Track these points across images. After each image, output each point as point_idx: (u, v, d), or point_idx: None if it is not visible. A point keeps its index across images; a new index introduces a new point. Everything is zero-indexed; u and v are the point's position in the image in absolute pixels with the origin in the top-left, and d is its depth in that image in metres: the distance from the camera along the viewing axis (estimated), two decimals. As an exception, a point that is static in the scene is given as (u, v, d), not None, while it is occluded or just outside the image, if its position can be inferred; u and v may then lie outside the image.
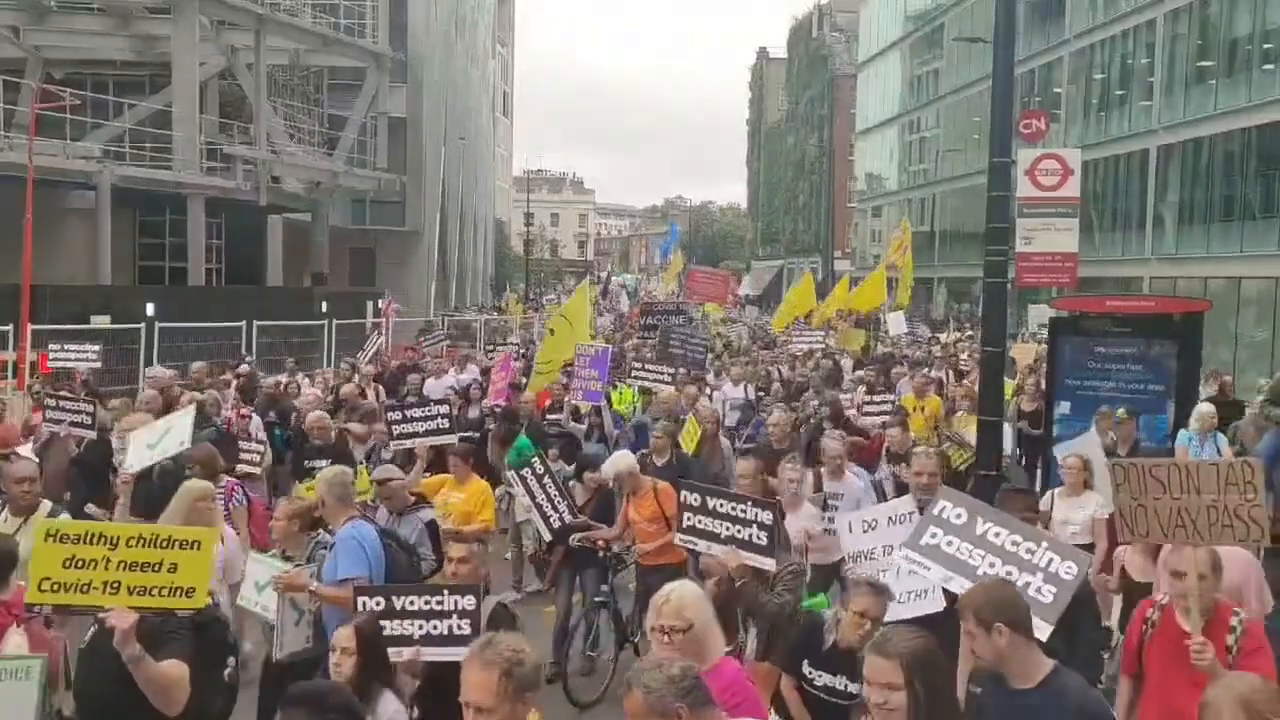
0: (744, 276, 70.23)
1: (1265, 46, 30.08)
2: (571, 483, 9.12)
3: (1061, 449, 9.39)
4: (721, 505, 5.98)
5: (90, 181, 27.52)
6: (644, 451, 10.15)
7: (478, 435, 12.62)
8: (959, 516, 4.77)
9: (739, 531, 5.90)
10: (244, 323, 22.05)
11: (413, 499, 7.53)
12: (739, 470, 7.61)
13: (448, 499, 8.52)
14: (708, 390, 15.04)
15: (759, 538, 5.85)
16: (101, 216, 27.66)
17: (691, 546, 6.27)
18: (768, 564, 5.78)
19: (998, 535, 4.64)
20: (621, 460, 8.43)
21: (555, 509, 8.50)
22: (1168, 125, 34.36)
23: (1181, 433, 10.81)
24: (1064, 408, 11.79)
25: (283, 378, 15.66)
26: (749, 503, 5.97)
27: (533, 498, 8.48)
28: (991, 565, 4.57)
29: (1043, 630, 4.22)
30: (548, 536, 8.60)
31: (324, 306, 27.47)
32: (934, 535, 4.77)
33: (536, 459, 8.67)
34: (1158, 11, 34.93)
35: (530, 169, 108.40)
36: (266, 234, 34.41)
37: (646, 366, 14.68)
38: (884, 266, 27.74)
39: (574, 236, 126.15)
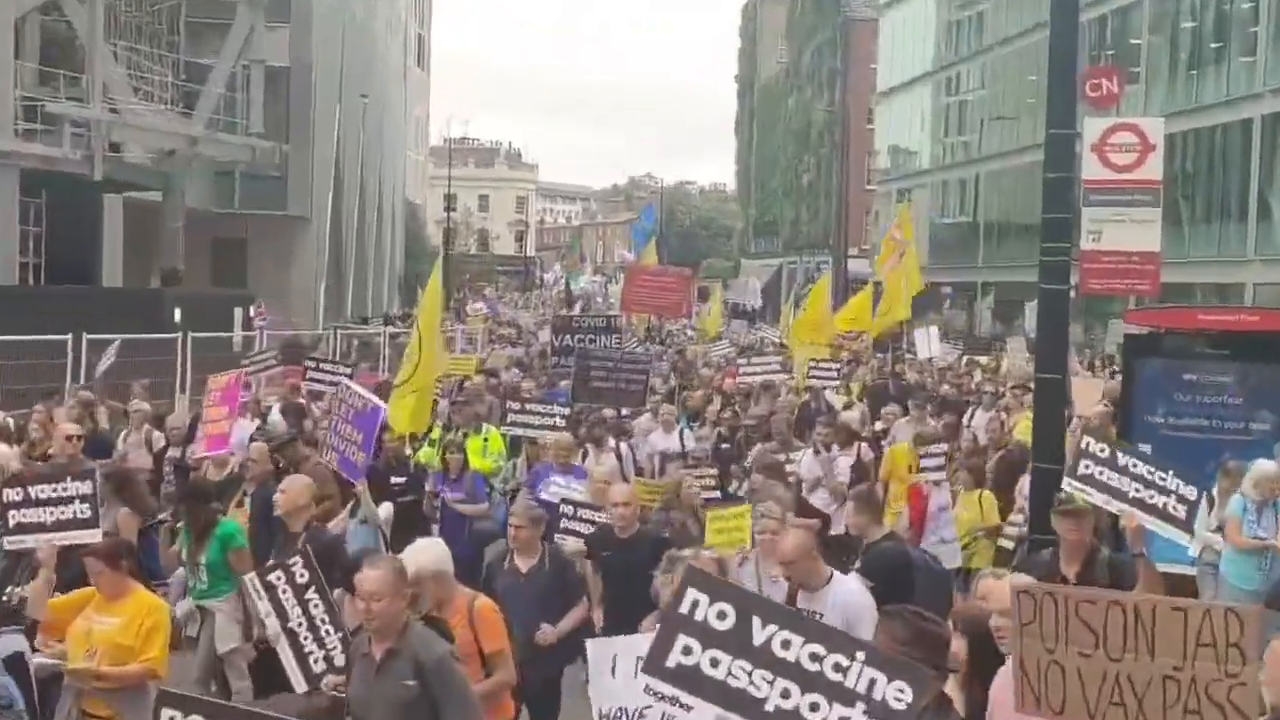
0: (746, 280, 70.21)
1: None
2: (338, 591, 7.80)
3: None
4: None
5: None
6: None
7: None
8: (722, 617, 3.99)
9: None
10: (70, 335, 21.75)
11: None
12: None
13: (91, 626, 7.17)
14: (616, 444, 13.95)
15: None
16: (-119, 193, 27.30)
17: None
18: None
19: (787, 646, 3.91)
20: (428, 552, 7.19)
21: (320, 642, 7.15)
22: (1276, 88, 34.89)
23: (1235, 499, 10.72)
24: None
25: (40, 408, 14.52)
26: None
27: (283, 622, 7.17)
28: (786, 694, 3.88)
29: None
30: (302, 687, 7.18)
31: (178, 315, 27.21)
32: (687, 651, 4.00)
33: (300, 560, 7.32)
34: (1264, -58, 35.57)
35: (454, 136, 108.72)
36: (102, 218, 34.04)
37: (527, 406, 13.90)
38: (886, 266, 27.67)
39: (510, 225, 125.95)
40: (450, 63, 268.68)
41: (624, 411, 16.32)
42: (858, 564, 8.32)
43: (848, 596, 7.19)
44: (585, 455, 13.56)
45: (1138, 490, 7.89)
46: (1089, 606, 4.02)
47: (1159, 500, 7.83)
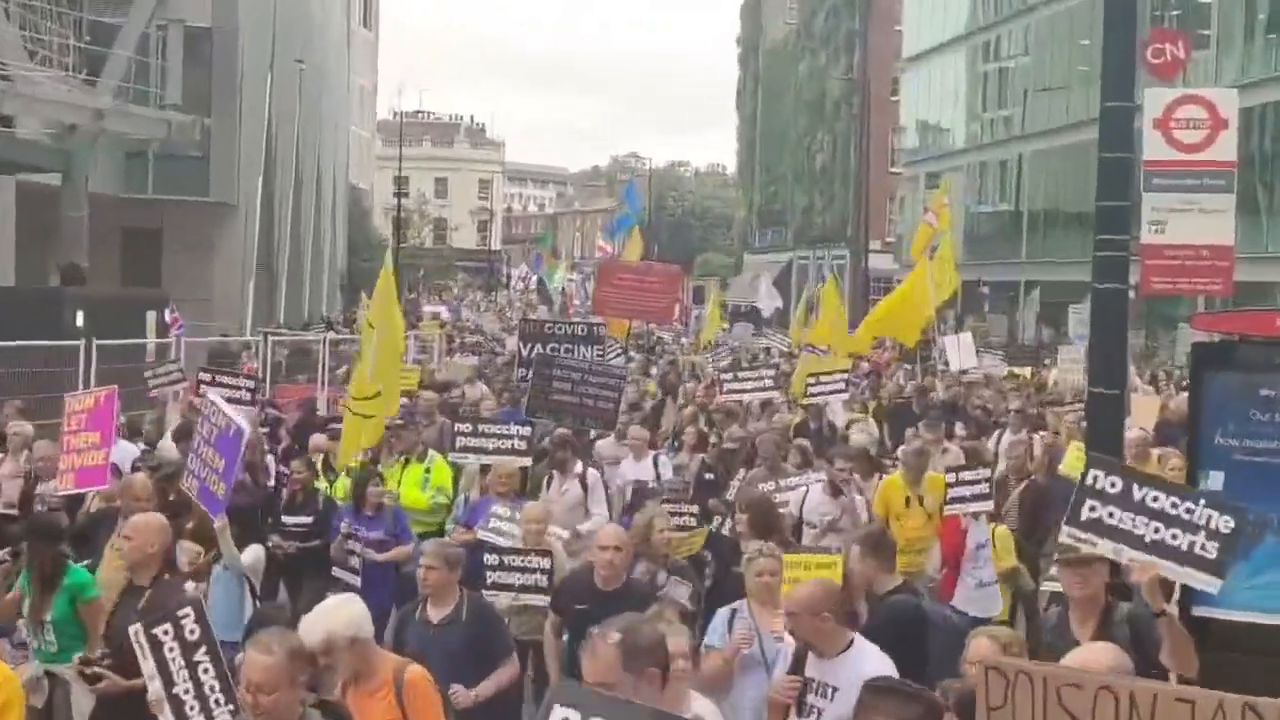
0: (757, 278, 70.01)
1: None
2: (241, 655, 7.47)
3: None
4: None
5: None
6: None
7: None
8: None
9: None
10: (-48, 343, 21.70)
11: None
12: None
13: None
14: (583, 470, 13.77)
15: None
16: None
17: None
18: None
19: None
20: (339, 613, 7.06)
21: (208, 713, 6.96)
22: (1369, 55, 35.04)
23: None
24: (1214, 480, 11.83)
25: None
26: None
27: (167, 687, 6.98)
28: None
29: None
30: None
31: (80, 319, 27.12)
32: None
33: (191, 613, 7.07)
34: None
35: (406, 109, 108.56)
36: (-9, 205, 33.95)
37: (481, 428, 13.39)
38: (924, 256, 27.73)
39: (472, 214, 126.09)
40: (405, 33, 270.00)
41: (593, 431, 16.10)
42: (864, 621, 8.17)
43: (871, 668, 6.82)
44: (549, 482, 13.37)
45: (1157, 531, 7.39)
46: (1074, 692, 3.85)
47: (1184, 540, 7.33)
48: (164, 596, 8.12)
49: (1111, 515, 7.41)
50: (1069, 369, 29.17)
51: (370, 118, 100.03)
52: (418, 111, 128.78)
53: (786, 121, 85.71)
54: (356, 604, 7.22)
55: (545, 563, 9.96)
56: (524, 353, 19.79)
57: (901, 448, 14.70)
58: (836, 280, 32.99)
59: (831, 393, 19.25)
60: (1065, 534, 7.51)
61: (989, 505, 12.01)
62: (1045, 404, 20.44)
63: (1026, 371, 31.91)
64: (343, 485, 13.27)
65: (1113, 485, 7.50)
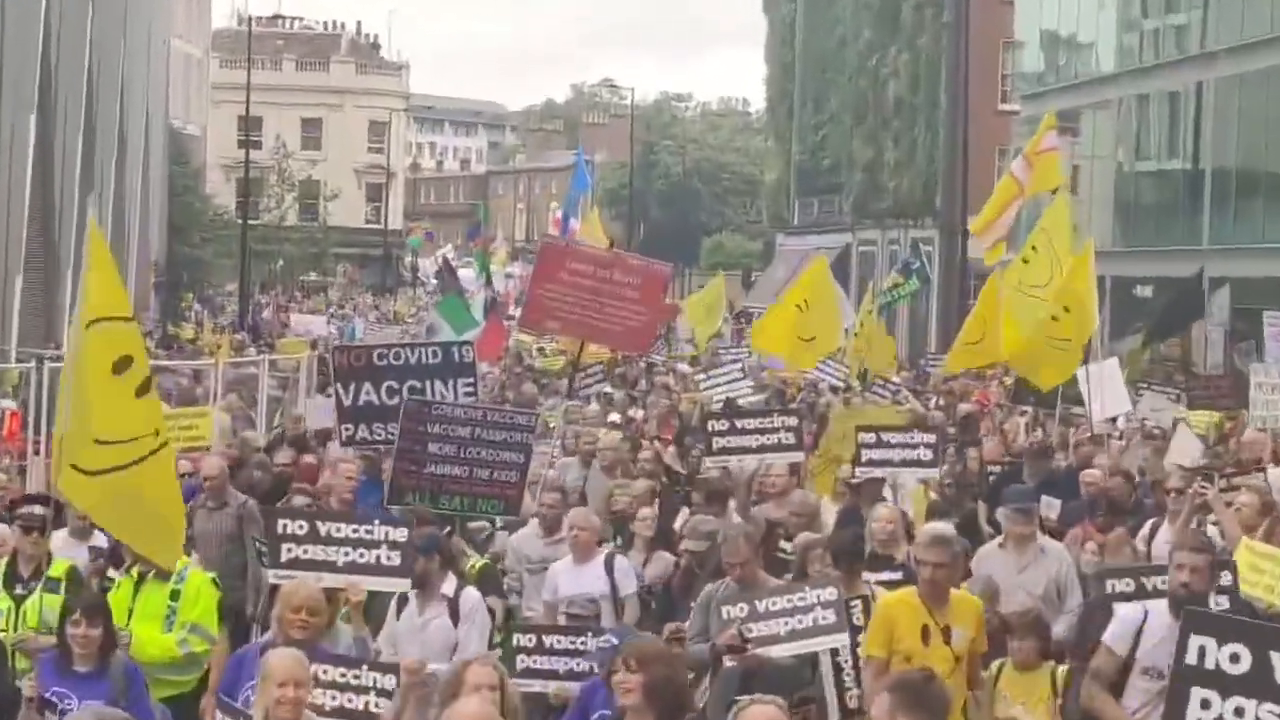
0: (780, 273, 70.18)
1: None
2: None
3: None
4: None
5: None
6: None
7: None
8: None
9: None
10: None
11: None
12: None
13: None
14: (447, 589, 12.91)
15: None
16: None
17: None
18: None
19: None
20: None
21: None
22: None
23: None
24: None
25: None
26: None
27: None
28: None
29: None
30: None
31: None
32: None
33: None
34: None
35: (257, 15, 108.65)
36: None
37: (326, 529, 12.20)
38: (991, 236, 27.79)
39: (359, 173, 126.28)
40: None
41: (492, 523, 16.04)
42: None
43: None
44: (400, 608, 12.72)
45: None
46: None
47: None
48: None
49: (1241, 712, 7.15)
50: (1269, 401, 27.08)
51: (203, 27, 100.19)
52: (275, 17, 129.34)
53: (842, 35, 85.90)
54: None
55: None
56: (345, 400, 18.17)
57: (916, 543, 13.61)
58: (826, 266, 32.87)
59: (905, 463, 18.38)
60: None
61: None
62: (1203, 472, 19.58)
63: (1214, 417, 30.61)
64: (43, 605, 12.50)
65: (1234, 659, 7.14)
